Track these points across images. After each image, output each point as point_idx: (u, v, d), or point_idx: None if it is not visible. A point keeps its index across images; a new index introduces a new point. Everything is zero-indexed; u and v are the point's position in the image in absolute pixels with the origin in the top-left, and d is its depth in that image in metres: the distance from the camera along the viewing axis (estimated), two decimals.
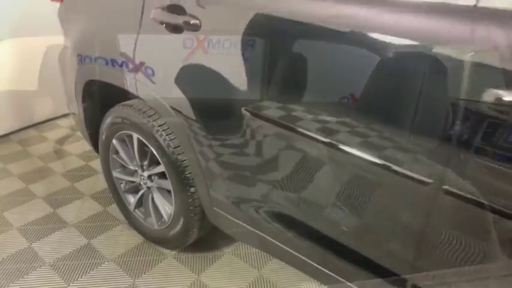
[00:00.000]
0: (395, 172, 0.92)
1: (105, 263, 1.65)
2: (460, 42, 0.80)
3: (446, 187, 0.85)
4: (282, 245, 1.25)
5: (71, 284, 1.54)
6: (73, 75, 1.69)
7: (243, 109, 1.14)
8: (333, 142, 1.00)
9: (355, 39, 0.93)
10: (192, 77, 1.26)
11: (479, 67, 0.79)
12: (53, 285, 1.53)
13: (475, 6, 0.78)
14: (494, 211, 0.82)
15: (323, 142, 1.02)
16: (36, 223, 1.88)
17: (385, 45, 0.88)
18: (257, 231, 1.31)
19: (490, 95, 0.76)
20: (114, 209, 1.95)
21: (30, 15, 2.53)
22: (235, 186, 1.31)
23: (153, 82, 1.36)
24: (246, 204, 1.32)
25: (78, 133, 2.48)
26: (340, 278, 1.14)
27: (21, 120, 2.87)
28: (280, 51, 1.08)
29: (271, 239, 1.28)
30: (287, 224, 1.23)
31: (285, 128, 1.08)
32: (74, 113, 1.87)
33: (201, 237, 1.62)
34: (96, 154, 1.84)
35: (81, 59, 1.62)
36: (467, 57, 0.80)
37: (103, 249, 1.73)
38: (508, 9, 0.78)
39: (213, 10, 1.18)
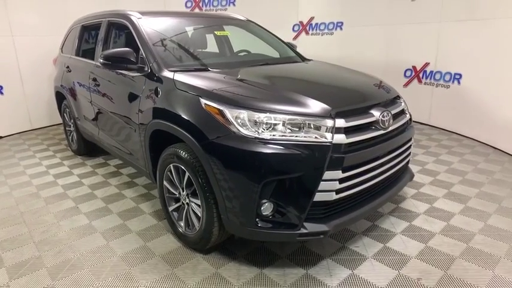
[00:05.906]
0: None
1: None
2: None
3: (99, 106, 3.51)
4: (96, 137, 3.84)
5: None
6: (53, 90, 4.81)
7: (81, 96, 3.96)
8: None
9: None
10: (70, 86, 4.19)
11: None
12: None
13: None
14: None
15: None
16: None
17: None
18: (92, 135, 3.95)
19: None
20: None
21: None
22: (82, 119, 4.07)
23: (66, 90, 4.30)
24: (85, 125, 4.03)
25: None
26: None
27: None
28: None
29: (99, 137, 3.74)
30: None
31: (87, 100, 3.75)
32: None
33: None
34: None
35: (56, 83, 4.61)
36: None
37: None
38: None
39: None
